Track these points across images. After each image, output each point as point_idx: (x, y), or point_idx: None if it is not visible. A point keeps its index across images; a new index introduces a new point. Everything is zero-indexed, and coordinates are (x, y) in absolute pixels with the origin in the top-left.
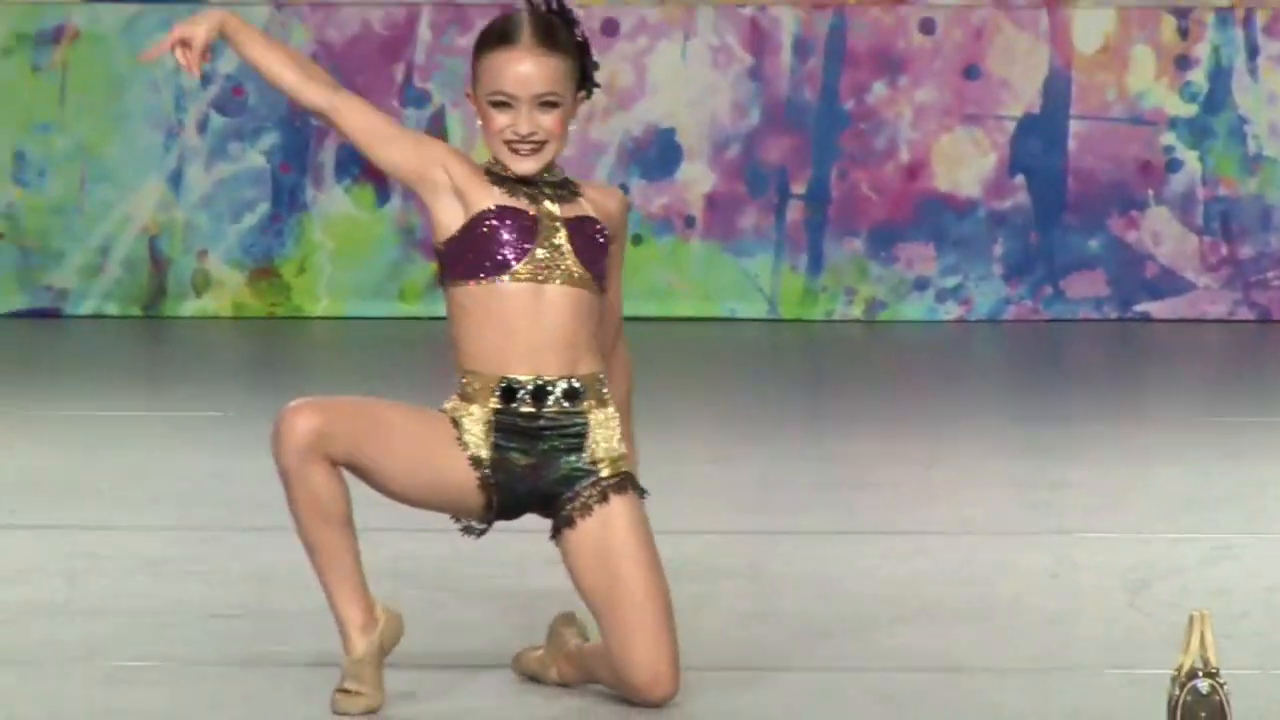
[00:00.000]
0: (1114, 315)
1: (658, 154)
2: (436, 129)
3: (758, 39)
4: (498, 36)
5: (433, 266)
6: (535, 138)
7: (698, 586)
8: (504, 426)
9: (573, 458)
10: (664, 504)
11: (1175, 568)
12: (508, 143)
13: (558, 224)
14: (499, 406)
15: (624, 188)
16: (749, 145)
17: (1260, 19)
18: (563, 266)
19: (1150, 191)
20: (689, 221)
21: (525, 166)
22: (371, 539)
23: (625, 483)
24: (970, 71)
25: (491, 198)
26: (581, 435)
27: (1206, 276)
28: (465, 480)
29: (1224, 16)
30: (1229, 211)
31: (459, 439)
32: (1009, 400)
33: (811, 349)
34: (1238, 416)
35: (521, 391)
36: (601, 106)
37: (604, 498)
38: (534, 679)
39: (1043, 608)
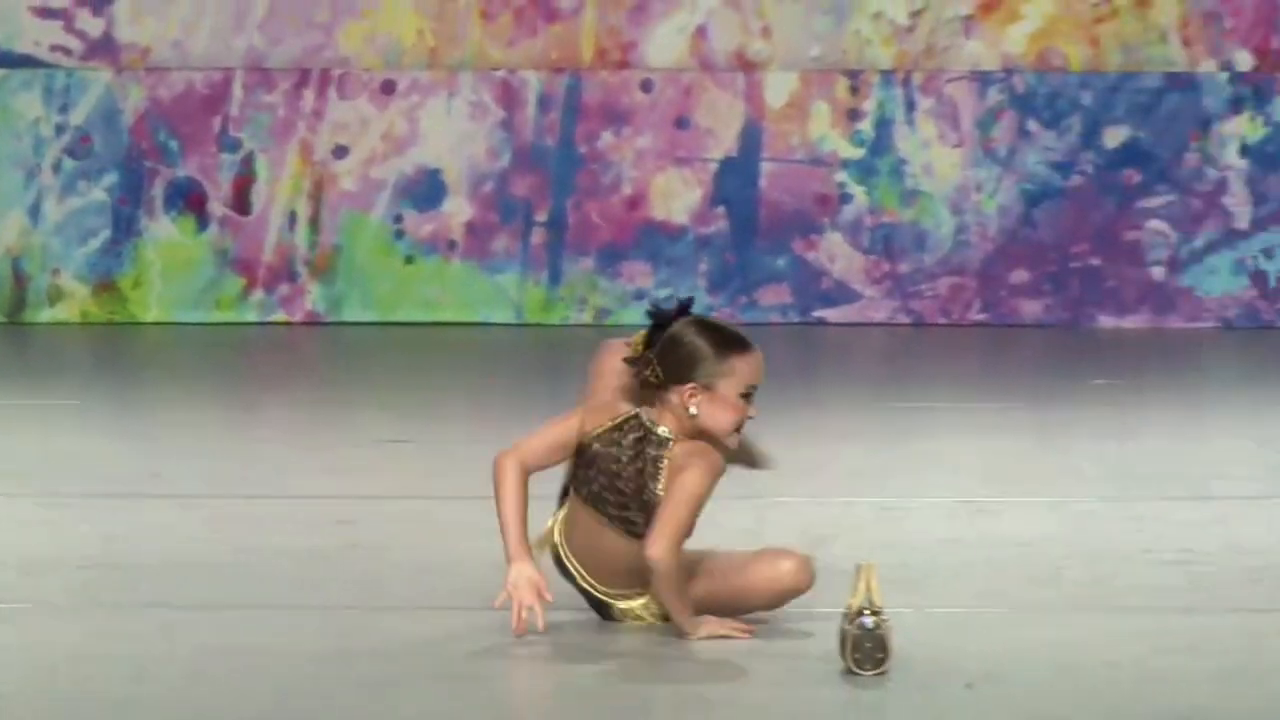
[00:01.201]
0: (796, 320)
1: (426, 190)
2: (246, 169)
3: (509, 96)
4: (742, 344)
5: (241, 281)
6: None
7: (450, 539)
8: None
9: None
10: (436, 472)
11: (849, 526)
12: (738, 426)
13: None
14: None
15: (398, 218)
16: (501, 182)
17: (917, 79)
18: None
19: (826, 219)
20: (451, 245)
21: (733, 443)
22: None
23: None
24: (681, 122)
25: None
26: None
27: (872, 289)
28: None
29: (888, 77)
30: (890, 235)
31: None
32: None
33: (551, 349)
34: (899, 403)
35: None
36: (381, 151)
37: None
38: None
39: None
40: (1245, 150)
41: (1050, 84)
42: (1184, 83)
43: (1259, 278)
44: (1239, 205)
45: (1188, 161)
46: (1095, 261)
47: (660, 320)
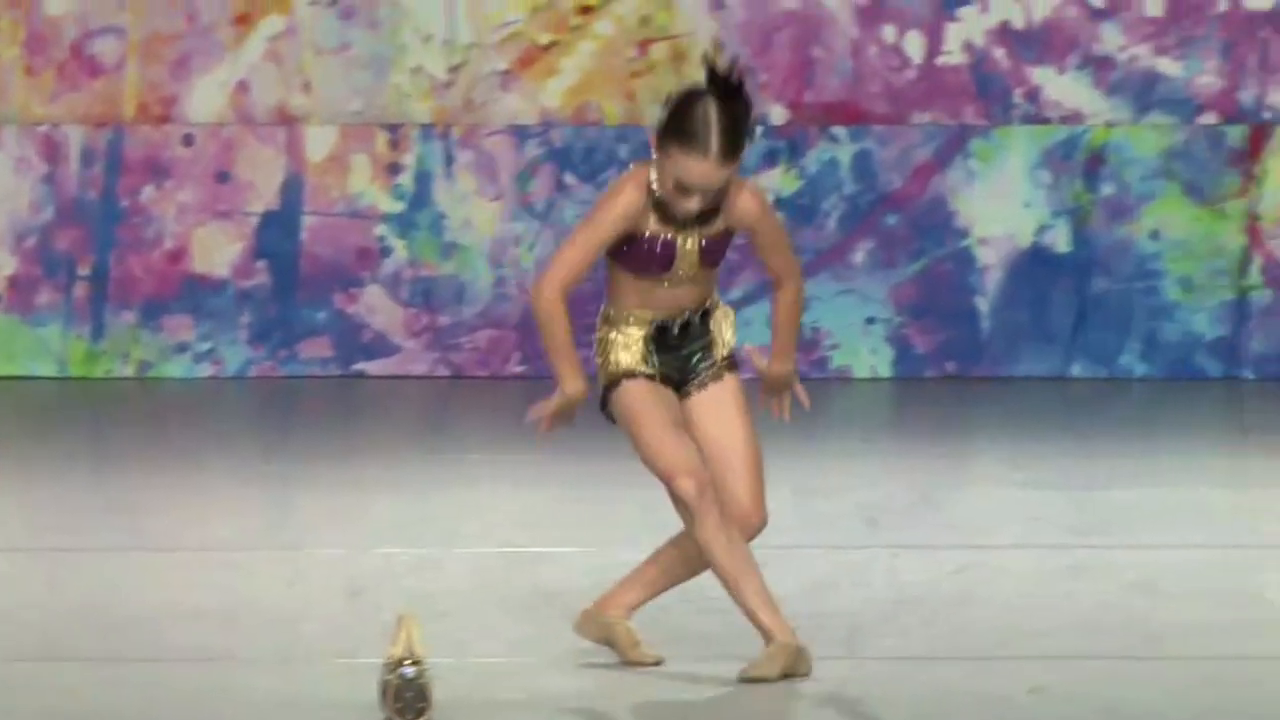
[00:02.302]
0: (337, 373)
1: None
2: None
3: (51, 151)
4: (692, 138)
5: None
6: (703, 207)
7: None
8: (657, 345)
9: (701, 353)
10: None
11: (387, 576)
12: (681, 213)
13: (693, 247)
14: (654, 335)
15: None
16: (44, 236)
17: (456, 134)
18: (693, 273)
19: (367, 272)
20: None
21: (691, 213)
22: None
23: (734, 364)
24: (223, 176)
25: (651, 225)
26: (708, 335)
27: (412, 341)
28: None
29: (427, 132)
30: (430, 288)
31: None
32: (249, 442)
33: (94, 402)
34: (437, 454)
35: (670, 326)
36: None
37: (720, 376)
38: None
39: (280, 608)
40: (780, 203)
41: (587, 137)
42: None
43: None
44: None
45: None
46: None
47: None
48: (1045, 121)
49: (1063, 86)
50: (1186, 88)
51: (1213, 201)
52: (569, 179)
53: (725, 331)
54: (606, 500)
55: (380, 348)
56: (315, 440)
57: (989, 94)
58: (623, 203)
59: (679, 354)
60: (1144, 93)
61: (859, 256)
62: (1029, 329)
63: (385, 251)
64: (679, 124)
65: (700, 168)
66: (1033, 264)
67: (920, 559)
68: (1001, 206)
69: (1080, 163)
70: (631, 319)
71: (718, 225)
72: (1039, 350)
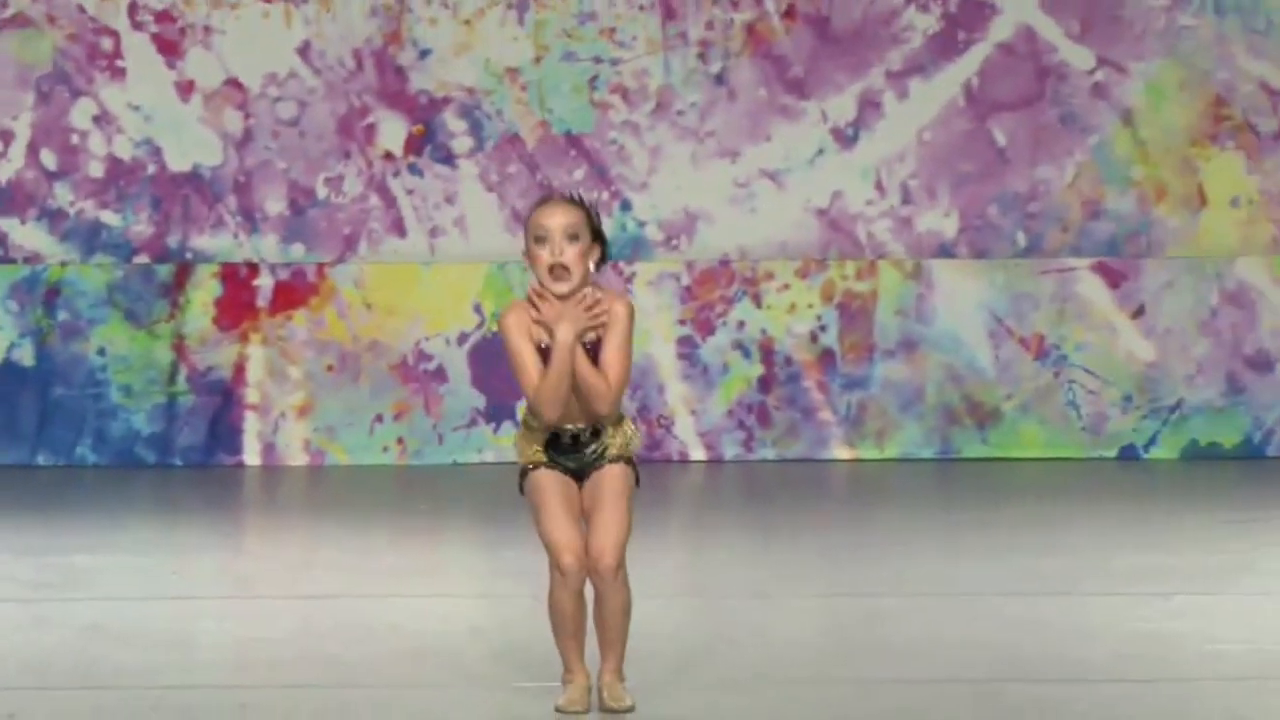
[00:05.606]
0: None
1: None
2: None
3: None
4: (538, 202)
5: None
6: (565, 260)
7: None
8: (554, 447)
9: (595, 455)
10: None
11: None
12: (549, 269)
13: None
14: (549, 443)
15: None
16: None
17: None
18: None
19: None
20: None
21: (560, 289)
22: None
23: (622, 459)
24: None
25: (546, 338)
26: (601, 444)
27: None
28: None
29: None
30: None
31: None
32: None
33: None
34: None
35: (562, 436)
36: None
37: (605, 465)
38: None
39: None
40: None
41: None
42: None
43: None
44: None
45: None
46: None
47: None
48: (13, 262)
49: (26, 233)
50: (125, 234)
51: (147, 325)
52: None
53: (616, 439)
54: None
55: None
56: None
57: None
58: (509, 322)
59: (575, 455)
60: (91, 238)
61: None
62: (1, 428)
63: None
64: (530, 211)
65: (547, 211)
66: (5, 376)
67: None
68: None
69: (41, 294)
70: (533, 426)
71: (598, 335)
72: (9, 444)
